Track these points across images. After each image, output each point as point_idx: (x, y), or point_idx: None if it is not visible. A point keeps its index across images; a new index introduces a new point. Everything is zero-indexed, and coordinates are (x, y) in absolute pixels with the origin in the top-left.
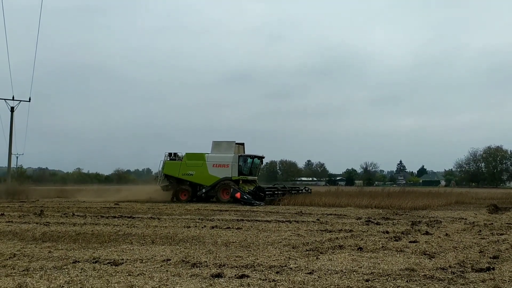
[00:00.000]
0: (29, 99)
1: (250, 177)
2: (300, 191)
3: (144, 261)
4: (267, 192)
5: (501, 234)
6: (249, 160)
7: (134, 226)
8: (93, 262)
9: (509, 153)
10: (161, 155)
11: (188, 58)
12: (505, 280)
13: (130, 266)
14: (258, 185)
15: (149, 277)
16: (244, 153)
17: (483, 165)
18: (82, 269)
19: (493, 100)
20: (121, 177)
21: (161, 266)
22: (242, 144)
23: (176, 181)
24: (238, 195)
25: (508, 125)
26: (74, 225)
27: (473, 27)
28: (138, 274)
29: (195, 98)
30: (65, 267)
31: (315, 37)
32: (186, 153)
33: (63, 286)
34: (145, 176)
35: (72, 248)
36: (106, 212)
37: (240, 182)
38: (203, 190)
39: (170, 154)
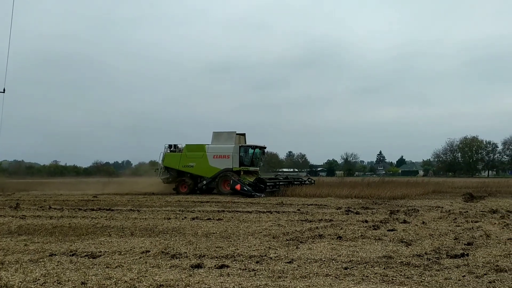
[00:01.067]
0: (3, 90)
1: (251, 168)
2: (303, 182)
3: (122, 253)
4: (268, 184)
5: (476, 222)
6: (250, 150)
7: (112, 219)
8: (70, 255)
9: (484, 143)
10: (144, 147)
11: (170, 49)
12: (478, 266)
13: (108, 258)
14: (259, 176)
15: (128, 269)
16: (245, 143)
17: (459, 155)
18: (58, 262)
19: (469, 92)
20: (100, 170)
21: (140, 258)
22: (243, 134)
23: (176, 173)
24: (238, 187)
25: (484, 116)
26: (50, 218)
27: (453, 20)
28: (116, 266)
29: (177, 89)
30: (41, 260)
31: (298, 29)
32: (186, 144)
33: (39, 279)
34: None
35: (49, 241)
36: (84, 204)
37: (242, 173)
38: (204, 182)
39: (170, 146)
